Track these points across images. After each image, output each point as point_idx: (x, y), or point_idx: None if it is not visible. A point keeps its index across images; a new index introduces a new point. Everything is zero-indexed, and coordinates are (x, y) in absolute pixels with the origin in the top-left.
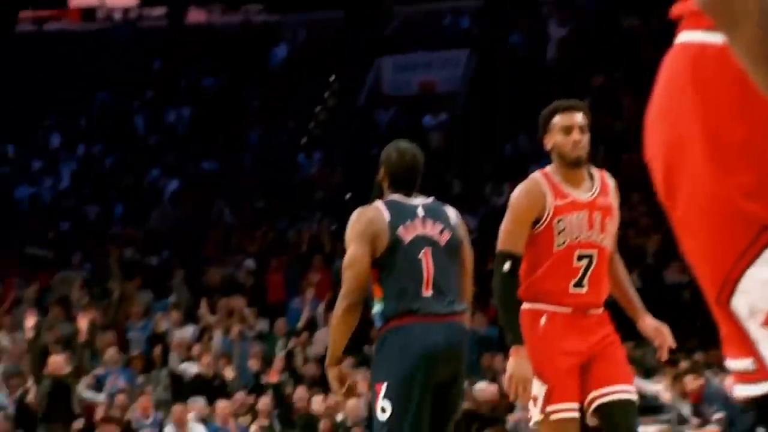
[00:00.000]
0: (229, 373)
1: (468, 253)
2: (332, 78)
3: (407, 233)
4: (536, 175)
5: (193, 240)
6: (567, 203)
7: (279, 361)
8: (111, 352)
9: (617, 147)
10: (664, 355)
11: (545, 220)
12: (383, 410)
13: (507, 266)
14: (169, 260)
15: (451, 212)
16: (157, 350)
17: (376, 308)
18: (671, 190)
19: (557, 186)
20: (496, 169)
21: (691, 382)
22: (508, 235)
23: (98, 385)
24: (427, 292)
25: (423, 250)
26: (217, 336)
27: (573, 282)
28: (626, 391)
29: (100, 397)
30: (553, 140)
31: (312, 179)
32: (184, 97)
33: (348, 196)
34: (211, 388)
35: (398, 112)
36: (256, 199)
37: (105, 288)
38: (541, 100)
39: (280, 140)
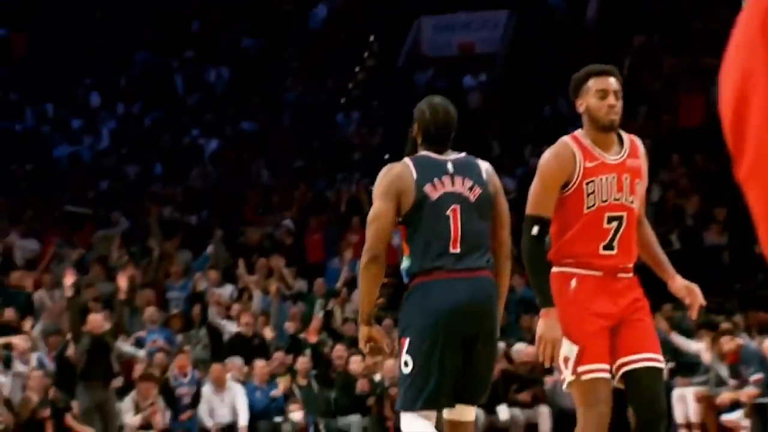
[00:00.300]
0: (268, 332)
1: (503, 207)
2: (371, 38)
3: (435, 190)
4: (565, 138)
5: (231, 200)
6: (596, 165)
7: (317, 321)
8: (150, 311)
9: (657, 108)
10: (695, 314)
11: (575, 182)
12: (406, 364)
13: (535, 230)
14: (208, 220)
15: (484, 167)
16: (196, 309)
17: (404, 265)
18: (739, 140)
19: (587, 148)
20: (536, 131)
21: (728, 343)
22: (536, 198)
23: (138, 345)
24: (455, 249)
25: (451, 207)
26: (257, 296)
27: (603, 244)
28: (653, 359)
29: (141, 353)
30: (586, 103)
31: (350, 139)
32: (224, 57)
33: (387, 156)
34: (250, 347)
35: (437, 72)
36: (295, 159)
37: (144, 247)
38: (581, 61)
39: (319, 100)
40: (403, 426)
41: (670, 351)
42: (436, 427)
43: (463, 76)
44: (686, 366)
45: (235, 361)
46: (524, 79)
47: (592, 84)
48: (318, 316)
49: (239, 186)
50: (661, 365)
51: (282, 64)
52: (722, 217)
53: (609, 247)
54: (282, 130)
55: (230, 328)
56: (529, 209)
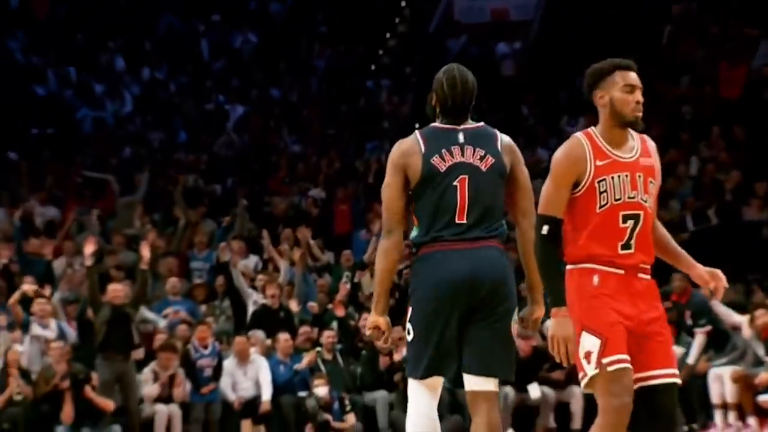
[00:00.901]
0: (293, 305)
1: (523, 177)
2: (403, 3)
3: (443, 161)
4: (578, 135)
5: (257, 169)
6: (608, 163)
7: (344, 293)
8: (173, 282)
9: (698, 78)
10: (720, 295)
11: (586, 181)
12: (408, 333)
13: (545, 229)
14: (232, 188)
15: (499, 137)
16: (220, 280)
17: (411, 235)
18: None
19: (599, 146)
20: (571, 100)
21: (762, 317)
22: (547, 197)
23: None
24: (461, 219)
25: (459, 178)
26: (283, 267)
27: (621, 243)
28: (670, 375)
29: (162, 323)
30: (610, 96)
31: (380, 107)
32: (251, 22)
33: (417, 126)
34: (276, 320)
35: (470, 39)
36: (323, 127)
37: (168, 215)
38: (618, 29)
39: (348, 67)
40: (408, 392)
41: (709, 316)
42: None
43: (497, 44)
44: (718, 337)
45: (259, 335)
46: (559, 48)
47: (620, 77)
48: (345, 288)
49: (265, 154)
50: (678, 380)
51: (311, 30)
52: (763, 192)
53: (627, 246)
54: (310, 97)
55: (256, 298)
56: (540, 208)
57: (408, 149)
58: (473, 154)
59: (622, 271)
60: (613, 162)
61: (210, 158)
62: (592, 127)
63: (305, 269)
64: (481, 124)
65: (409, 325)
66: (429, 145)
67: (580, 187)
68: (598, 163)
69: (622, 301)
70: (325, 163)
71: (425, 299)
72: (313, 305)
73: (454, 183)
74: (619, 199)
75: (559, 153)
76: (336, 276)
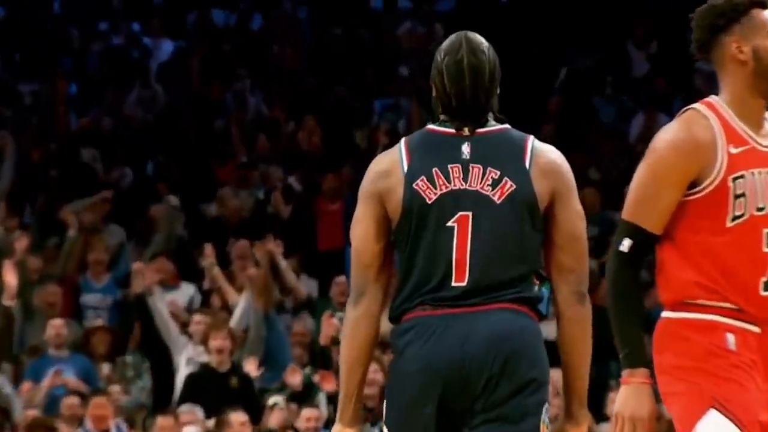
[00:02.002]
0: (252, 367)
1: (566, 214)
2: None
3: (432, 188)
4: (699, 107)
5: (195, 142)
6: (746, 152)
7: (330, 330)
8: (56, 326)
9: None
10: None
11: (714, 179)
12: None
13: (627, 244)
14: (154, 175)
15: (531, 148)
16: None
17: (391, 305)
18: None
19: (731, 126)
20: None
21: None
22: (639, 197)
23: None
24: (459, 281)
25: (457, 216)
26: (240, 304)
27: (765, 280)
28: None
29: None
30: (752, 45)
31: (396, 42)
32: None
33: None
34: (225, 389)
35: None
36: (304, 74)
37: (49, 217)
38: None
39: None
40: None
41: None
42: None
43: None
44: None
45: (195, 413)
46: None
47: (764, 18)
48: (332, 323)
49: (209, 119)
50: None
51: None
52: None
53: None
54: (282, 24)
55: (191, 353)
56: (626, 212)
57: (385, 169)
58: (482, 178)
59: (757, 329)
60: (752, 151)
61: (117, 124)
62: (714, 97)
63: (269, 307)
64: (504, 126)
65: (385, 428)
66: (415, 162)
67: (701, 188)
68: (733, 150)
69: (762, 376)
70: (305, 135)
71: (402, 393)
72: (293, 369)
73: (449, 223)
74: (763, 209)
75: (667, 134)
76: (321, 317)
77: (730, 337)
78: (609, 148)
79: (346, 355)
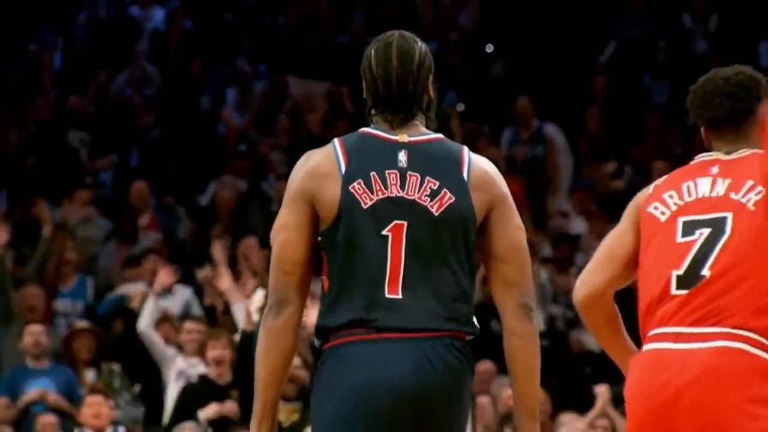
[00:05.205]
0: None
1: (504, 228)
2: None
3: (368, 193)
4: None
5: (188, 122)
6: None
7: None
8: (35, 333)
9: None
10: None
11: None
12: None
13: None
14: (141, 164)
15: (467, 160)
16: (119, 328)
17: (319, 315)
18: None
19: None
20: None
21: None
22: None
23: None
24: (393, 293)
25: (392, 224)
26: (239, 309)
27: None
28: None
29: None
30: None
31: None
32: None
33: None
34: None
35: None
36: (325, 39)
37: (21, 209)
38: None
39: None
40: None
41: None
42: None
43: None
44: None
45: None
46: None
47: None
48: None
49: (193, 94)
50: None
51: None
52: None
53: None
54: None
55: (181, 366)
56: None
57: (318, 167)
58: (419, 188)
59: None
60: None
61: (101, 104)
62: None
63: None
64: (439, 136)
65: None
66: (352, 163)
67: None
68: None
69: None
70: (316, 116)
71: (333, 422)
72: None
73: (384, 232)
74: None
75: None
76: None
77: None
78: (666, 134)
79: (267, 365)
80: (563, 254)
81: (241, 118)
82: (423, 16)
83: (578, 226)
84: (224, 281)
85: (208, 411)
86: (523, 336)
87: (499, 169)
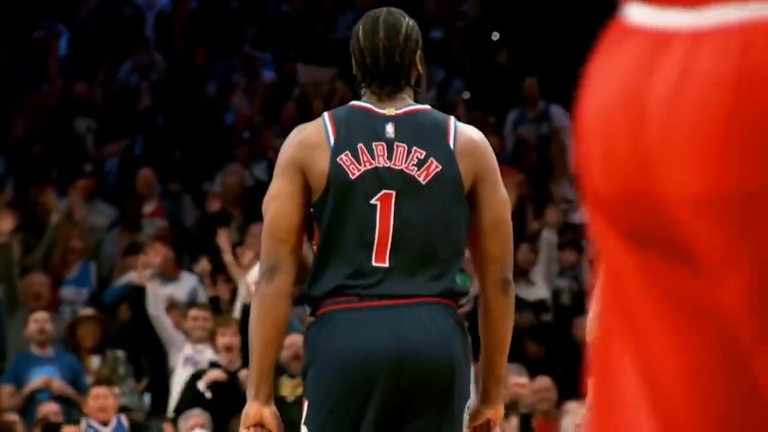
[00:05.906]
0: None
1: (490, 196)
2: None
3: (356, 164)
4: None
5: (195, 112)
6: None
7: None
8: (40, 320)
9: None
10: None
11: None
12: None
13: None
14: (146, 151)
15: (453, 129)
16: (124, 314)
17: (307, 284)
18: None
19: None
20: None
21: None
22: None
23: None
24: (380, 262)
25: (381, 194)
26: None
27: None
28: None
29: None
30: None
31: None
32: None
33: (495, 36)
34: (234, 392)
35: None
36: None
37: (26, 200)
38: None
39: None
40: None
41: None
42: None
43: None
44: None
45: (197, 418)
46: None
47: None
48: None
49: (198, 82)
50: None
51: None
52: None
53: None
54: None
55: (189, 352)
56: None
57: (310, 139)
58: (407, 157)
59: None
60: None
61: (107, 91)
62: None
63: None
64: (425, 107)
65: (304, 428)
66: (341, 135)
67: None
68: None
69: None
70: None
71: (324, 391)
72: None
73: (372, 201)
74: None
75: None
76: None
77: None
78: None
79: (260, 333)
80: (567, 240)
81: (248, 106)
82: (427, 3)
83: (582, 214)
84: (232, 266)
85: (208, 377)
86: (500, 310)
87: (505, 150)
